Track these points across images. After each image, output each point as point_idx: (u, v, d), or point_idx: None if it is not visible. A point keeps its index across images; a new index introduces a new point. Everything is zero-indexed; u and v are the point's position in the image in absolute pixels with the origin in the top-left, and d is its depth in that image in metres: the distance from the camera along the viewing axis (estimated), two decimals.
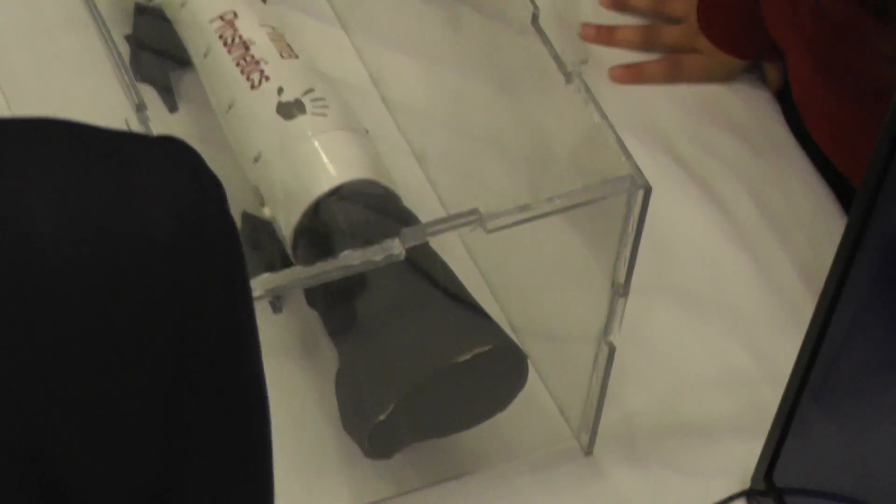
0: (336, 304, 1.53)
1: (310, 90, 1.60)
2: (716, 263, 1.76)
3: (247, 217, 1.60)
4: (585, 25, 1.87)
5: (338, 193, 1.54)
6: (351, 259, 1.39)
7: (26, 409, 1.07)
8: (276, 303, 1.59)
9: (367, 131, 1.61)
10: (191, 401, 1.11)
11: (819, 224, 1.78)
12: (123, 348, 1.06)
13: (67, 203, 1.04)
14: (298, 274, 1.42)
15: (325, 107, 1.59)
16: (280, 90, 1.59)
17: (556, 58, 1.49)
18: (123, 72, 1.48)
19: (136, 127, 1.43)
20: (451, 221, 1.43)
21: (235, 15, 1.65)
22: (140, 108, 1.43)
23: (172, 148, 1.09)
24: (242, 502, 1.18)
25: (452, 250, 1.56)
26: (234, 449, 1.16)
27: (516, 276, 1.63)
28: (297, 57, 1.63)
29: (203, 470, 1.15)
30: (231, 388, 1.14)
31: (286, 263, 1.52)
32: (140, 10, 1.71)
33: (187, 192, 1.07)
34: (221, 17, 1.65)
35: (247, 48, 1.62)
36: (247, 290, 1.15)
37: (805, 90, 1.85)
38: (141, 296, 1.06)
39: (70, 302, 1.05)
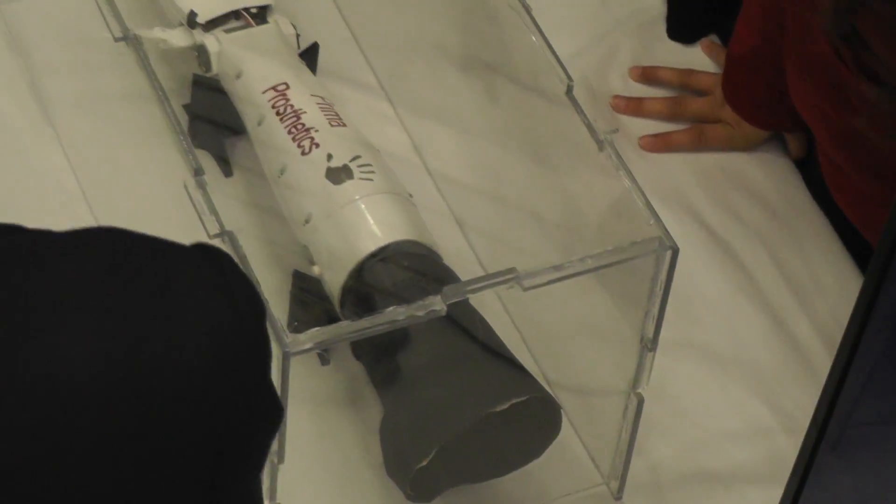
0: (381, 357, 1.52)
1: (357, 157, 1.60)
2: (737, 321, 1.75)
3: (297, 275, 1.60)
4: (616, 97, 1.86)
5: (383, 253, 1.54)
6: (395, 315, 1.39)
7: None
8: (325, 355, 1.58)
9: (410, 195, 1.61)
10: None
11: (836, 285, 1.77)
12: (158, 472, 1.07)
13: (101, 339, 1.05)
14: (345, 329, 1.42)
15: (371, 172, 1.59)
16: (329, 156, 1.59)
17: (589, 127, 1.50)
18: (182, 139, 1.49)
19: (193, 191, 1.43)
20: (490, 280, 1.44)
21: (287, 86, 1.65)
22: (198, 172, 1.44)
23: (209, 262, 1.11)
24: None
25: (490, 306, 1.56)
26: None
27: (550, 331, 1.63)
28: (345, 125, 1.63)
29: None
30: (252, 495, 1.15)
31: (333, 319, 1.53)
32: (197, 82, 1.72)
33: (221, 315, 1.08)
34: (274, 88, 1.65)
35: (298, 117, 1.62)
36: (269, 399, 1.15)
37: (830, 164, 1.83)
38: (173, 421, 1.06)
39: (104, 437, 1.05)
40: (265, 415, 1.15)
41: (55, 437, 1.05)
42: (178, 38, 1.71)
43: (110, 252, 1.11)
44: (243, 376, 1.11)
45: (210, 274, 1.11)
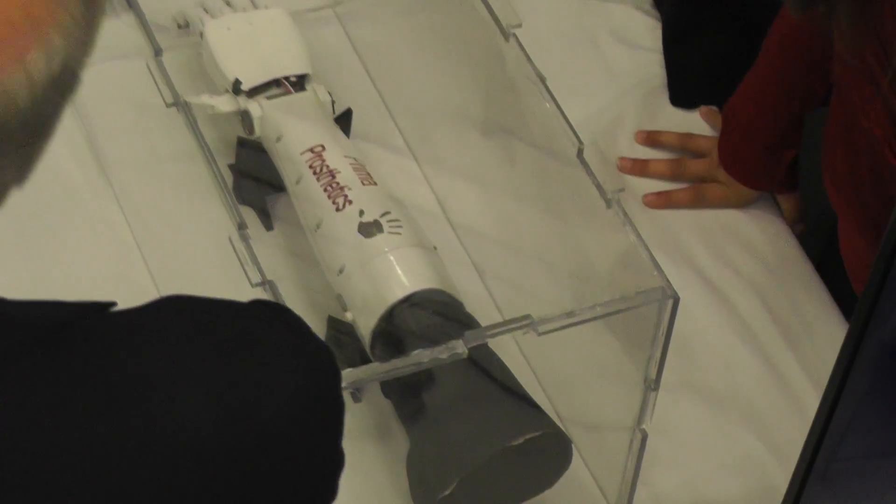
0: (408, 395, 1.52)
1: (387, 212, 1.60)
2: (733, 363, 1.74)
3: (331, 320, 1.60)
4: (622, 159, 1.85)
5: (409, 300, 1.54)
6: (421, 357, 1.40)
7: None
8: (357, 393, 1.57)
9: (434, 248, 1.61)
10: None
11: (823, 330, 1.77)
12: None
13: (204, 395, 1.08)
14: (376, 369, 1.42)
15: (400, 227, 1.59)
16: (361, 212, 1.59)
17: (598, 186, 1.50)
18: (227, 196, 1.49)
19: (237, 243, 1.43)
20: (507, 326, 1.44)
21: (323, 148, 1.65)
22: (241, 227, 1.44)
23: (280, 322, 1.13)
24: None
25: (508, 349, 1.55)
26: None
27: (562, 371, 1.62)
28: (375, 184, 1.63)
29: None
30: None
31: (365, 360, 1.53)
32: (241, 143, 1.72)
33: (303, 379, 1.10)
34: (311, 150, 1.65)
35: (333, 176, 1.62)
36: (339, 450, 1.17)
37: (852, 248, 1.81)
38: (263, 465, 1.09)
39: (211, 471, 1.07)
40: (338, 463, 1.17)
41: (178, 483, 1.07)
42: (225, 103, 1.71)
43: (191, 321, 1.13)
44: (323, 431, 1.14)
45: (285, 336, 1.13)
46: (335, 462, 1.18)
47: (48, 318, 1.09)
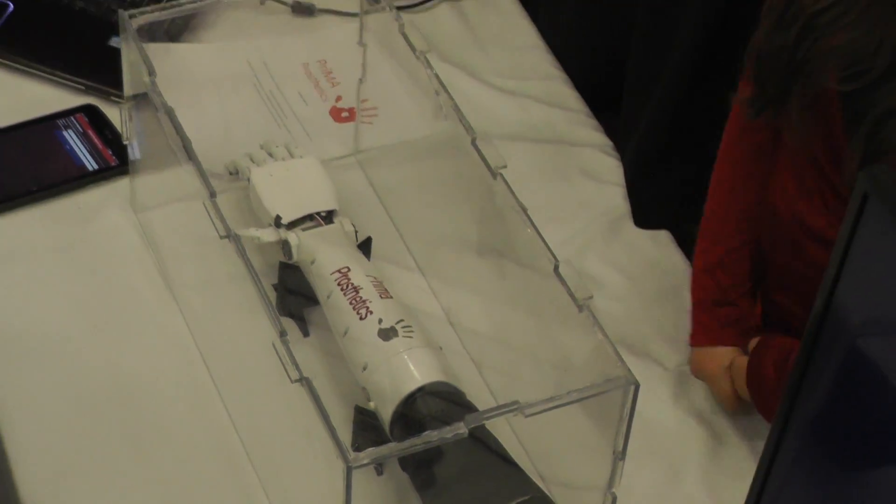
0: (421, 468, 1.51)
1: (401, 320, 1.59)
2: (685, 436, 1.72)
3: (358, 409, 1.58)
4: None
5: (421, 391, 1.53)
6: (430, 437, 1.39)
7: None
8: (379, 468, 1.56)
9: (440, 347, 1.60)
10: None
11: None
12: None
13: None
14: (394, 448, 1.40)
15: (412, 331, 1.59)
16: (380, 320, 1.59)
17: (571, 295, 1.49)
18: (271, 309, 1.48)
19: (279, 347, 1.42)
20: (500, 410, 1.42)
21: (349, 269, 1.65)
22: (282, 334, 1.43)
23: None
24: None
25: (501, 428, 1.54)
26: None
27: (546, 444, 1.60)
28: (391, 297, 1.63)
29: None
30: None
31: (385, 440, 1.51)
32: (283, 266, 1.72)
33: None
34: (339, 271, 1.65)
35: (357, 292, 1.62)
36: None
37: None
38: None
39: None
40: None
41: None
42: (268, 235, 1.71)
43: None
44: None
45: None
46: None
47: None
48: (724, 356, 1.70)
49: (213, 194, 1.56)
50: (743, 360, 1.67)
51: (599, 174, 1.97)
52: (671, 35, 1.95)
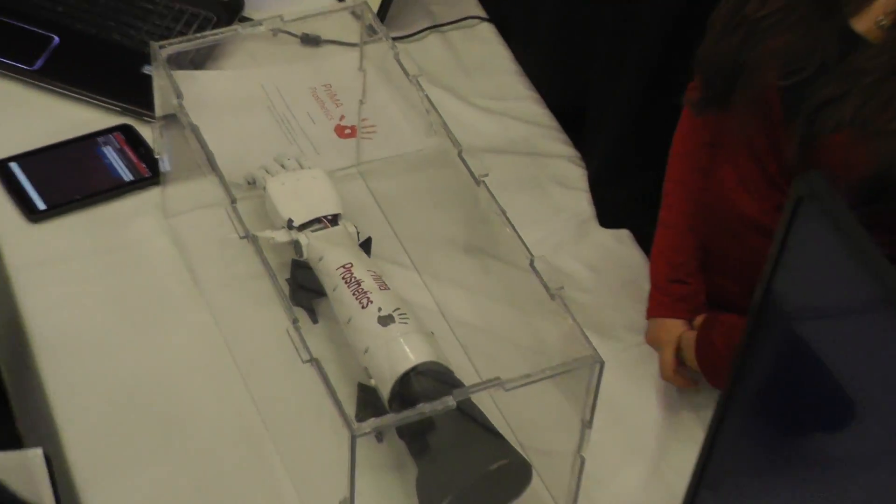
0: (415, 436, 1.51)
1: (397, 308, 1.59)
2: (643, 407, 1.71)
3: (360, 386, 1.58)
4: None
5: (414, 370, 1.53)
6: (423, 409, 1.39)
7: None
8: (379, 436, 1.56)
9: (432, 333, 1.60)
10: None
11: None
12: None
13: None
14: (392, 419, 1.42)
15: (407, 318, 1.59)
16: (379, 309, 1.59)
17: (545, 286, 1.49)
18: (284, 300, 1.48)
19: (292, 333, 1.42)
20: (484, 385, 1.43)
21: (352, 265, 1.65)
22: (295, 322, 1.44)
23: None
24: None
25: (484, 401, 1.54)
26: None
27: (524, 415, 1.60)
28: (389, 289, 1.63)
29: None
30: None
31: (384, 412, 1.51)
32: (295, 263, 1.71)
33: None
34: (343, 267, 1.65)
35: (359, 284, 1.62)
36: None
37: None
38: None
39: None
40: None
41: None
42: (281, 236, 1.71)
43: None
44: None
45: None
46: None
47: None
48: (674, 327, 1.69)
49: (233, 201, 1.56)
50: (691, 334, 1.66)
51: (568, 182, 1.96)
52: (626, 59, 1.94)
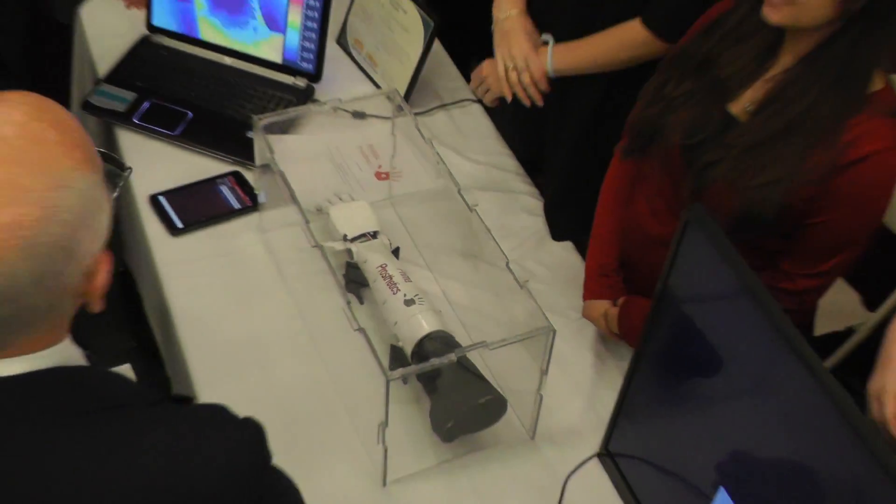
0: (428, 380, 1.50)
1: (417, 294, 1.58)
2: (582, 361, 1.69)
3: (392, 347, 1.56)
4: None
5: (428, 336, 1.52)
6: (433, 362, 1.41)
7: None
8: (405, 380, 1.55)
9: (440, 311, 1.59)
10: None
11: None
12: None
13: (172, 463, 0.88)
14: (412, 369, 1.43)
15: (423, 301, 1.57)
16: (405, 295, 1.58)
17: (516, 279, 1.49)
18: (342, 289, 1.49)
19: (346, 311, 1.42)
20: (474, 346, 1.44)
21: (386, 265, 1.63)
22: (348, 302, 1.44)
23: (246, 435, 0.93)
24: None
25: (475, 357, 1.52)
26: None
27: (503, 367, 1.58)
28: (411, 281, 1.61)
29: None
30: None
31: (408, 364, 1.51)
32: (348, 264, 1.70)
33: (240, 461, 0.91)
34: (380, 266, 1.63)
35: (391, 278, 1.61)
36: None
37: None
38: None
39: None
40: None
41: None
42: (339, 245, 1.70)
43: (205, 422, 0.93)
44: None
45: (246, 441, 0.94)
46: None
47: (150, 394, 0.93)
48: (601, 306, 1.67)
49: (307, 221, 1.57)
50: (614, 311, 1.64)
51: (530, 209, 1.94)
52: (567, 124, 1.92)
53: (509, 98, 1.85)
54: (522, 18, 1.76)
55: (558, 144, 1.97)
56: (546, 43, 1.77)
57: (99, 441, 0.87)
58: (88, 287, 0.90)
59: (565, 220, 1.91)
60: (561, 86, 1.83)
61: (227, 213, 1.84)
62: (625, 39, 1.70)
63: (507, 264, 1.52)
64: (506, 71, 1.81)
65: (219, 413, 0.95)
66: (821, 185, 1.37)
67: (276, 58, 2.05)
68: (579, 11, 1.77)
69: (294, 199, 1.60)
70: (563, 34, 1.79)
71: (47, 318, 0.87)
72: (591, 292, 1.70)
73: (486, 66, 1.85)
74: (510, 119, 2.06)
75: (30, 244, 0.82)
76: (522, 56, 1.76)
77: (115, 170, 1.11)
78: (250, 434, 0.94)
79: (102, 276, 0.90)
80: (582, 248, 1.87)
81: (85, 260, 0.88)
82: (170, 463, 0.87)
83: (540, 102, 1.82)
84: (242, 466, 0.91)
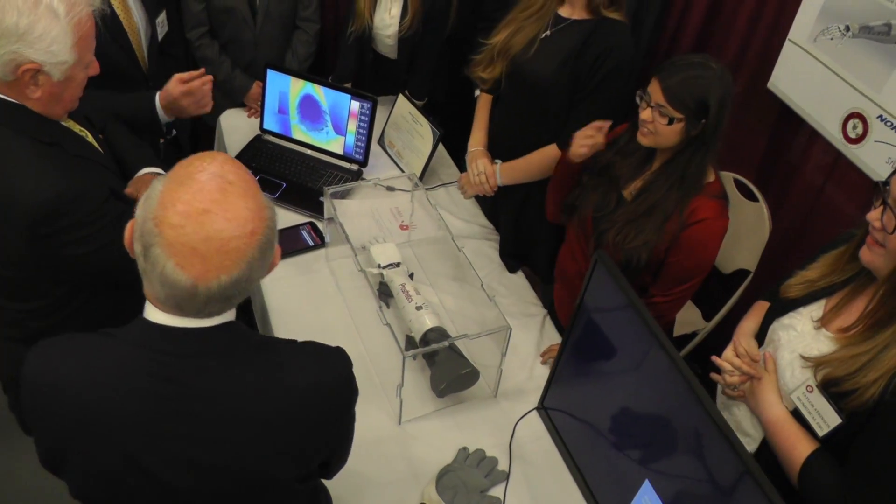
0: (430, 357, 1.48)
1: (425, 302, 1.56)
2: (529, 346, 1.64)
3: (407, 336, 1.53)
4: None
5: (430, 329, 1.50)
6: (433, 347, 1.39)
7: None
8: (415, 357, 1.50)
9: (438, 314, 1.55)
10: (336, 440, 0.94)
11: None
12: (325, 425, 0.89)
13: (315, 373, 0.88)
14: (420, 350, 1.41)
15: (429, 307, 1.55)
16: (416, 303, 1.55)
17: (487, 295, 1.46)
18: (377, 299, 1.48)
19: (379, 313, 1.38)
20: (458, 337, 1.43)
21: (405, 284, 1.60)
22: (380, 307, 1.43)
23: (343, 355, 0.93)
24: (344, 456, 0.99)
25: (460, 344, 1.50)
26: (348, 446, 0.99)
27: (477, 350, 1.55)
28: (420, 294, 1.58)
29: (340, 452, 0.97)
30: (349, 429, 0.97)
31: (417, 347, 1.48)
32: (381, 283, 1.66)
33: (346, 374, 0.92)
34: (401, 284, 1.60)
35: (408, 293, 1.58)
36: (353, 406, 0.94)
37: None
38: (335, 407, 0.89)
39: (312, 409, 0.87)
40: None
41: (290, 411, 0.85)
42: (375, 271, 1.67)
43: (319, 350, 0.92)
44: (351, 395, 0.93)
45: (346, 361, 0.93)
46: (351, 410, 0.95)
47: (258, 336, 0.89)
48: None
49: (356, 255, 1.57)
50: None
51: (493, 256, 1.90)
52: (508, 204, 1.85)
53: (478, 193, 1.83)
54: (483, 150, 1.76)
55: (503, 216, 1.94)
56: (496, 163, 1.78)
57: (266, 363, 0.85)
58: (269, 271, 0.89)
59: (509, 261, 1.87)
60: (503, 187, 1.79)
61: (306, 248, 1.83)
62: (544, 159, 1.66)
63: (482, 285, 1.52)
64: (475, 177, 1.78)
65: (323, 345, 0.94)
66: (672, 242, 1.39)
67: (339, 151, 2.05)
68: (512, 144, 1.76)
69: (348, 240, 1.60)
70: (505, 158, 1.78)
71: (244, 293, 0.85)
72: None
73: (463, 177, 1.81)
74: (479, 199, 2.04)
75: (261, 244, 0.81)
76: (483, 171, 1.74)
77: None
78: (347, 355, 0.94)
79: (276, 262, 0.88)
80: (529, 277, 1.84)
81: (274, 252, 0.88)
82: (313, 374, 0.87)
83: (491, 194, 1.78)
84: (350, 373, 0.92)
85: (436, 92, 2.24)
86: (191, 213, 0.76)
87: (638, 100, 1.33)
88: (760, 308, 1.25)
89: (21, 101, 1.04)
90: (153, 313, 0.82)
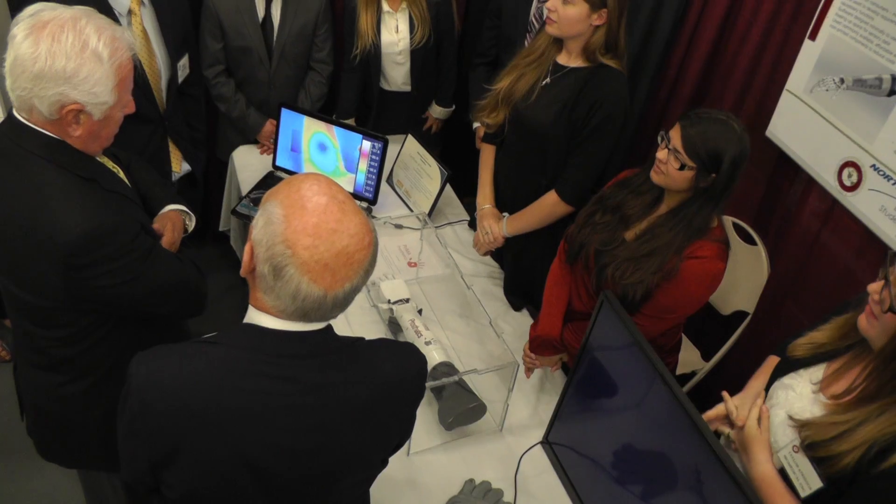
0: (438, 392, 1.47)
1: (433, 338, 1.55)
2: (538, 383, 1.60)
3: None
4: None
5: (440, 364, 1.49)
6: (442, 381, 1.41)
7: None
8: (426, 394, 1.38)
9: (445, 350, 1.57)
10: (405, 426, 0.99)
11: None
12: (406, 410, 0.96)
13: (396, 366, 0.94)
14: (430, 384, 1.42)
15: (438, 342, 1.54)
16: (425, 338, 1.54)
17: (495, 331, 1.48)
18: (387, 330, 1.49)
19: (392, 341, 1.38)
20: (466, 372, 1.45)
21: (413, 320, 1.60)
22: (391, 332, 1.43)
23: (418, 351, 0.99)
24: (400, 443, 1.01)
25: (468, 379, 1.50)
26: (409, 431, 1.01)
27: (484, 385, 1.56)
28: (429, 330, 1.58)
29: (407, 436, 1.01)
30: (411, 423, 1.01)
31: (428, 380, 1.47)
32: (391, 318, 1.66)
33: (421, 367, 0.97)
34: (410, 320, 1.60)
35: (417, 329, 1.58)
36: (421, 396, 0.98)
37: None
38: (412, 396, 0.96)
39: (400, 399, 0.93)
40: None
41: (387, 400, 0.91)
42: (386, 306, 1.65)
43: (396, 346, 0.96)
44: (421, 386, 0.98)
45: (420, 357, 0.98)
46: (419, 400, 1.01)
47: (345, 341, 0.92)
48: (548, 360, 1.59)
49: (368, 290, 1.62)
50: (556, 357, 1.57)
51: (497, 294, 1.86)
52: (510, 251, 1.79)
53: (489, 250, 1.79)
54: (491, 209, 1.75)
55: (507, 256, 1.91)
56: (503, 216, 1.77)
57: (360, 359, 0.90)
58: None
59: (513, 299, 1.85)
60: (510, 238, 1.78)
61: None
62: (544, 208, 1.65)
63: (490, 322, 1.54)
64: (484, 237, 1.78)
65: (399, 342, 0.98)
66: (668, 274, 1.36)
67: (350, 188, 2.03)
68: (515, 186, 1.75)
69: (368, 289, 1.62)
70: (510, 202, 1.78)
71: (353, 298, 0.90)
72: (538, 349, 1.59)
73: (476, 236, 1.82)
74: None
75: (374, 253, 0.87)
76: (489, 229, 1.75)
77: None
78: (420, 352, 0.99)
79: None
80: (533, 315, 1.84)
81: None
82: (401, 366, 0.92)
83: (498, 246, 1.76)
84: (424, 366, 0.97)
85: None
86: (321, 233, 0.81)
87: (659, 139, 1.34)
88: (771, 364, 1.24)
89: (62, 137, 1.07)
90: (266, 320, 0.86)
